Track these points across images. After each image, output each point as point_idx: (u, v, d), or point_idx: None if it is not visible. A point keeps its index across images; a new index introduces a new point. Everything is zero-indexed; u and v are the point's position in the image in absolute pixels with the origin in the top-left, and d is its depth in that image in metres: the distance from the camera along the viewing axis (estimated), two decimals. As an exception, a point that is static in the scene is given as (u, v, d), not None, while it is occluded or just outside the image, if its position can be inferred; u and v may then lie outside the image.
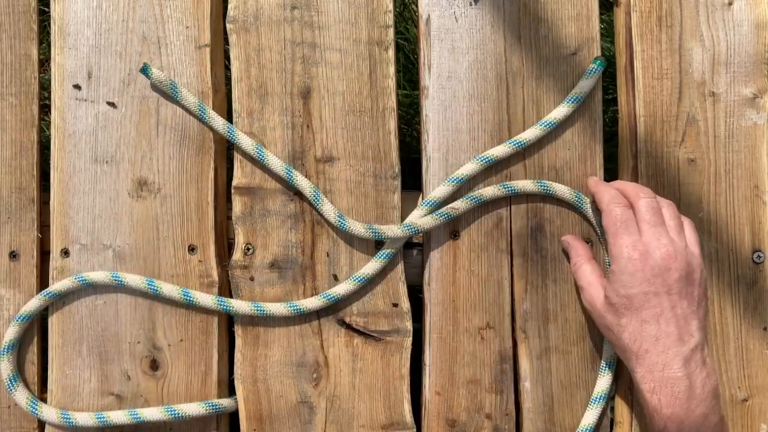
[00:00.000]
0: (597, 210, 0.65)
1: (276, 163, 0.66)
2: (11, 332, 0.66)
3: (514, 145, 0.66)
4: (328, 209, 0.66)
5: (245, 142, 0.66)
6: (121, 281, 0.66)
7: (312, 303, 0.66)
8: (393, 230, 0.65)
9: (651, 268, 0.58)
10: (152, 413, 0.65)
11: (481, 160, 0.66)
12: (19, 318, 0.66)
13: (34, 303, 0.66)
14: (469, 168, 0.66)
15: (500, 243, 0.68)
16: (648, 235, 0.60)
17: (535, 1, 0.68)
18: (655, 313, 0.58)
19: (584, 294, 0.63)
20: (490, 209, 0.68)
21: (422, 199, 0.68)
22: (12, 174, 0.69)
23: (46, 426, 0.68)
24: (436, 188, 0.67)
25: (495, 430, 0.67)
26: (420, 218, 0.66)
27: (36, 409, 0.65)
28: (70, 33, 0.68)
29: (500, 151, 0.66)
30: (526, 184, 0.66)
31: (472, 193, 0.67)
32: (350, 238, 0.67)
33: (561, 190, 0.66)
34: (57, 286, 0.66)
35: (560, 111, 0.67)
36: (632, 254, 0.59)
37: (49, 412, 0.66)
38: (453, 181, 0.66)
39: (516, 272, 0.68)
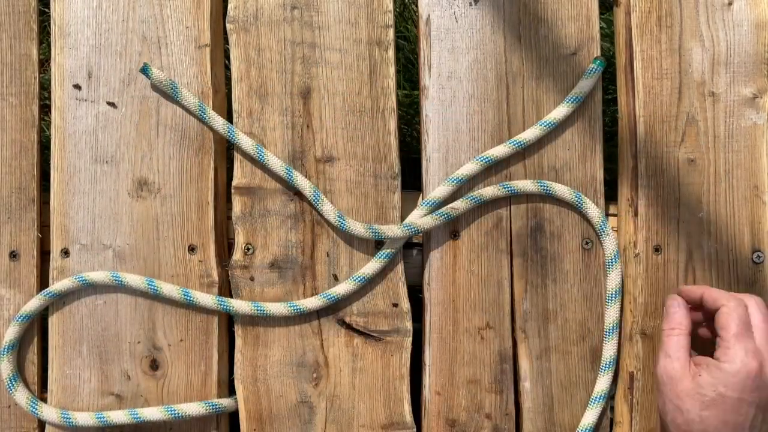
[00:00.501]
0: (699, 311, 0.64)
1: (276, 163, 0.66)
2: (11, 332, 0.66)
3: (514, 145, 0.66)
4: (328, 209, 0.66)
5: (245, 142, 0.66)
6: (121, 281, 0.66)
7: (312, 303, 0.66)
8: (393, 230, 0.65)
9: (759, 380, 0.57)
10: (152, 413, 0.65)
11: (481, 160, 0.66)
12: (19, 318, 0.66)
13: (34, 303, 0.66)
14: (469, 168, 0.66)
15: (500, 243, 0.68)
16: (761, 342, 0.58)
17: (535, 1, 0.68)
18: (739, 421, 0.57)
19: (666, 363, 0.60)
20: (490, 209, 0.68)
21: (422, 199, 0.68)
22: (12, 174, 0.69)
23: (46, 426, 0.68)
24: (436, 188, 0.67)
25: (495, 430, 0.67)
26: (420, 218, 0.66)
27: (36, 409, 0.65)
28: (70, 33, 0.68)
29: (500, 151, 0.67)
30: (526, 184, 0.66)
31: (472, 193, 0.67)
32: (350, 238, 0.67)
33: (561, 190, 0.66)
34: (57, 286, 0.66)
35: (560, 111, 0.67)
36: (751, 363, 0.57)
37: (49, 412, 0.66)
38: (453, 181, 0.66)
39: (516, 272, 0.68)
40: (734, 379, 0.57)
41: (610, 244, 0.67)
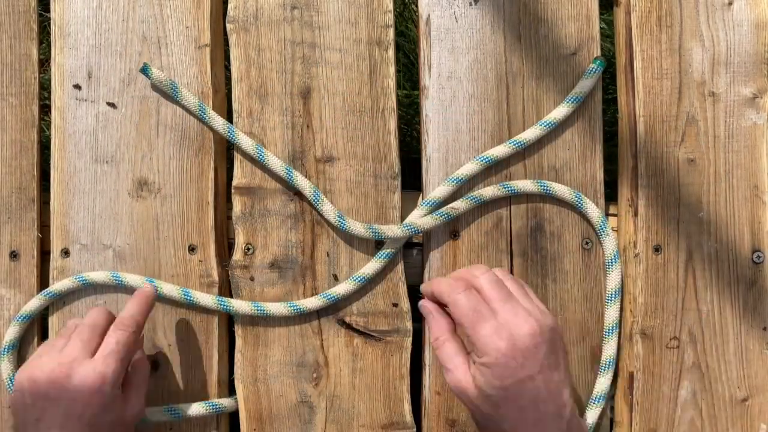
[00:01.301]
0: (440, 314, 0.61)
1: (276, 163, 0.66)
2: (12, 332, 0.66)
3: (514, 145, 0.66)
4: (328, 209, 0.66)
5: (245, 142, 0.66)
6: (122, 281, 0.66)
7: (312, 303, 0.66)
8: (393, 230, 0.65)
9: (521, 353, 0.54)
10: (152, 413, 0.65)
11: (481, 160, 0.66)
12: (19, 318, 0.66)
13: (35, 303, 0.66)
14: (468, 168, 0.66)
15: (500, 243, 0.68)
16: (504, 313, 0.56)
17: (535, 1, 0.68)
18: (532, 397, 0.55)
19: (450, 376, 0.58)
20: (490, 209, 0.68)
21: (422, 199, 0.68)
22: (12, 174, 0.69)
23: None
24: (436, 188, 0.67)
25: (495, 430, 0.67)
26: (420, 218, 0.66)
27: None
28: (70, 33, 0.68)
29: (500, 151, 0.67)
30: (526, 184, 0.66)
31: (472, 193, 0.67)
32: (350, 238, 0.67)
33: (561, 190, 0.66)
34: (57, 285, 0.66)
35: (560, 111, 0.67)
36: (499, 344, 0.54)
37: None
38: (453, 181, 0.66)
39: (516, 272, 0.68)
40: (499, 369, 0.54)
41: (609, 244, 0.67)
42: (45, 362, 0.58)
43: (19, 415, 0.57)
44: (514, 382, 0.54)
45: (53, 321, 0.68)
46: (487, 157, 0.66)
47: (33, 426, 0.56)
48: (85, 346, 0.58)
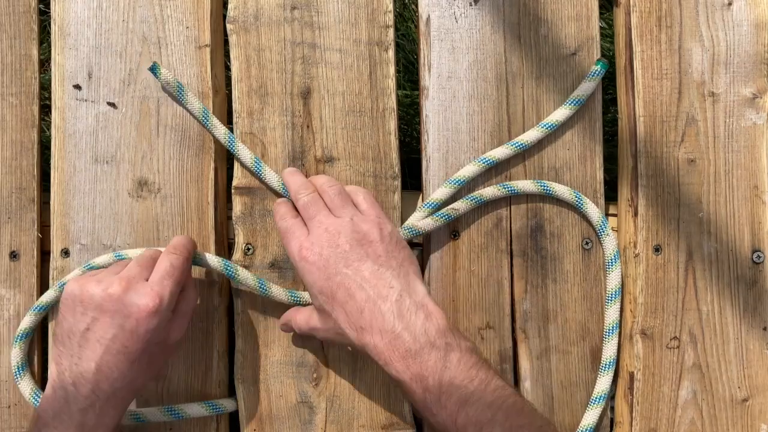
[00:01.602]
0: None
1: (272, 178, 0.66)
2: (27, 321, 0.66)
3: (515, 146, 0.66)
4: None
5: (244, 154, 0.66)
6: (124, 257, 0.65)
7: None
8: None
9: (320, 255, 0.59)
10: (152, 413, 0.65)
11: (482, 162, 0.66)
12: (36, 308, 0.66)
13: (51, 294, 0.66)
14: (469, 170, 0.66)
15: (500, 243, 0.68)
16: (312, 228, 0.61)
17: (535, 1, 0.68)
18: (345, 290, 0.57)
19: (298, 323, 0.63)
20: (490, 209, 0.68)
21: (422, 200, 0.68)
22: (12, 174, 0.69)
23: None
24: (436, 190, 0.67)
25: (495, 430, 0.67)
26: (420, 220, 0.66)
27: (38, 403, 0.65)
28: (70, 33, 0.68)
29: (501, 152, 0.66)
30: (526, 184, 0.66)
31: (472, 194, 0.67)
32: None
33: (561, 190, 0.66)
34: (70, 276, 0.66)
35: (561, 113, 0.67)
36: (301, 253, 0.59)
37: None
38: (453, 183, 0.66)
39: (516, 272, 0.68)
40: (307, 278, 0.59)
41: (610, 244, 0.67)
42: (101, 277, 0.58)
43: (66, 322, 0.57)
44: (324, 282, 0.58)
45: (53, 321, 0.68)
46: (488, 159, 0.66)
47: (80, 335, 0.56)
48: (143, 270, 0.59)
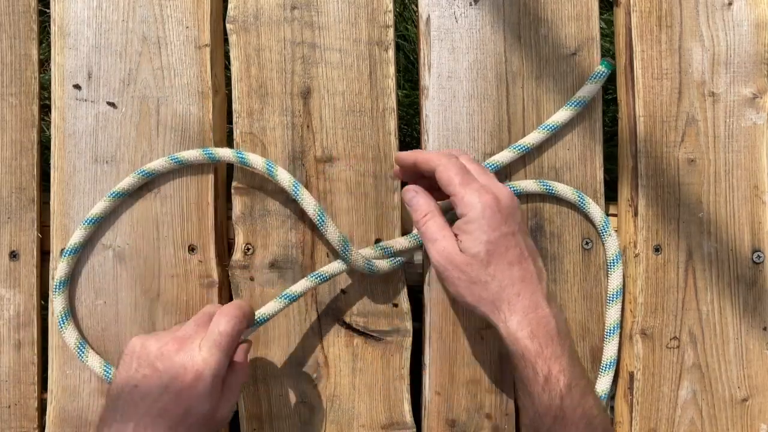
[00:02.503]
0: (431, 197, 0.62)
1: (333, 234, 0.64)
2: (62, 268, 0.66)
3: (518, 149, 0.66)
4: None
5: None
6: (213, 156, 0.65)
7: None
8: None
9: (504, 209, 0.57)
10: None
11: (487, 167, 0.66)
12: (68, 252, 0.66)
13: (80, 233, 0.66)
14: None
15: (500, 243, 0.68)
16: (485, 180, 0.59)
17: (535, 1, 0.68)
18: (517, 254, 0.57)
19: (437, 247, 0.58)
20: (490, 209, 0.68)
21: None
22: (12, 174, 0.69)
23: (48, 421, 0.68)
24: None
25: (495, 430, 0.67)
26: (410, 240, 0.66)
27: (83, 354, 0.65)
28: (70, 33, 0.68)
29: (505, 156, 0.66)
30: (528, 184, 0.66)
31: None
32: (350, 238, 0.67)
33: (563, 190, 0.66)
34: (152, 165, 0.66)
35: (563, 114, 0.66)
36: (485, 197, 0.56)
37: (93, 361, 0.65)
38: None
39: (516, 272, 0.68)
40: (485, 221, 0.56)
41: (612, 244, 0.67)
42: (162, 335, 0.57)
43: (121, 376, 0.56)
44: (500, 235, 0.56)
45: (53, 321, 0.68)
46: (493, 164, 0.66)
47: (129, 391, 0.54)
48: (199, 329, 0.57)
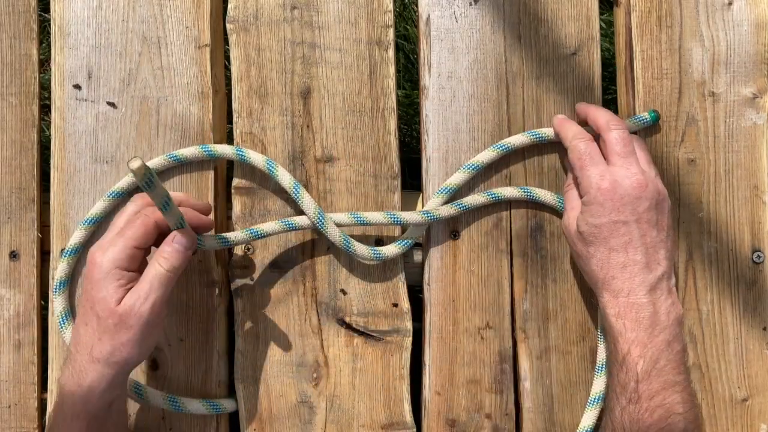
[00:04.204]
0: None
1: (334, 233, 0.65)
2: (62, 269, 0.66)
3: (533, 137, 0.66)
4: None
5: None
6: (212, 152, 0.66)
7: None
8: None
9: (620, 197, 0.59)
10: (154, 395, 0.65)
11: (470, 168, 0.66)
12: (68, 253, 0.66)
13: (79, 234, 0.66)
14: (458, 177, 0.66)
15: (500, 243, 0.68)
16: (618, 165, 0.60)
17: (535, 1, 0.68)
18: (623, 242, 0.59)
19: (564, 216, 0.64)
20: (490, 209, 0.68)
21: (422, 200, 0.68)
22: (12, 174, 0.69)
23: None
24: (430, 199, 0.67)
25: (495, 430, 0.67)
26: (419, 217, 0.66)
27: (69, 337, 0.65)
28: (70, 33, 0.68)
29: (518, 140, 0.66)
30: (509, 191, 0.66)
31: (461, 201, 0.66)
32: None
33: (544, 195, 0.66)
34: (150, 163, 0.66)
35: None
36: (601, 183, 0.59)
37: None
38: (445, 191, 0.66)
39: (516, 272, 0.68)
40: (596, 207, 0.59)
41: None
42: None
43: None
44: (607, 222, 0.59)
45: (53, 321, 0.68)
46: (475, 164, 0.66)
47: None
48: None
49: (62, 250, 0.67)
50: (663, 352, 0.57)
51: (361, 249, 0.65)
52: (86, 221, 0.66)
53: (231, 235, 0.63)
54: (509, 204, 0.68)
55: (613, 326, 0.59)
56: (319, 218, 0.64)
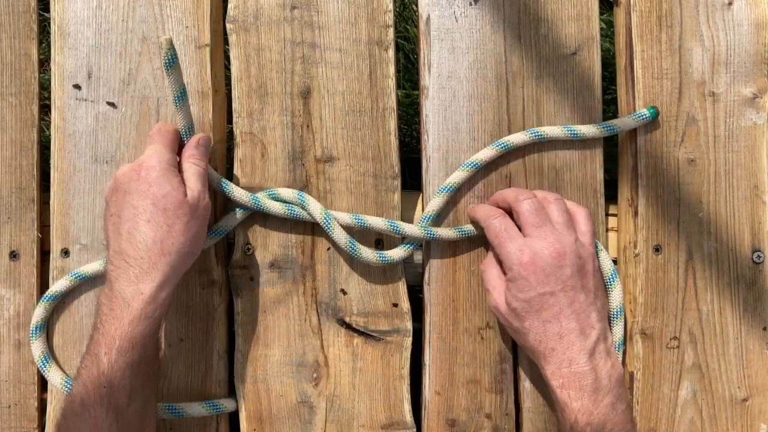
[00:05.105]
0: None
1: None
2: (39, 312, 0.66)
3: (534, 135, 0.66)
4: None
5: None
6: (261, 206, 0.66)
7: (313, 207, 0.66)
8: (398, 253, 0.65)
9: (542, 269, 0.59)
10: None
11: (468, 166, 0.66)
12: (46, 298, 0.66)
13: (64, 283, 0.66)
14: (457, 176, 0.66)
15: (500, 243, 0.68)
16: (534, 236, 0.60)
17: (535, 1, 0.68)
18: (554, 312, 0.59)
19: (489, 298, 0.63)
20: (490, 209, 0.68)
21: (422, 200, 0.68)
22: (12, 174, 0.69)
23: (47, 428, 0.68)
24: (432, 199, 0.67)
25: (495, 430, 0.67)
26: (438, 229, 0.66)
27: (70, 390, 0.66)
28: (70, 33, 0.68)
29: (519, 138, 0.66)
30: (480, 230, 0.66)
31: (464, 227, 0.67)
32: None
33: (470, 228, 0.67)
34: (88, 268, 0.66)
35: (588, 130, 0.66)
36: (521, 258, 0.59)
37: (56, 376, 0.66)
38: (444, 190, 0.66)
39: (516, 272, 0.68)
40: (521, 282, 0.60)
41: (606, 262, 0.66)
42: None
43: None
44: (535, 295, 0.59)
45: (53, 321, 0.68)
46: (474, 162, 0.66)
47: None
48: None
49: (62, 250, 0.67)
50: (608, 415, 0.58)
51: (367, 253, 0.65)
52: (49, 297, 0.66)
53: (235, 191, 0.65)
54: (509, 204, 0.68)
55: (558, 397, 0.59)
56: (326, 220, 0.64)
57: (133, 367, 0.56)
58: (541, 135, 0.66)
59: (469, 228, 0.66)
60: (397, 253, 0.66)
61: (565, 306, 0.59)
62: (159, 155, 0.60)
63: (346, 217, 0.65)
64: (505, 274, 0.62)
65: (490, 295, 0.63)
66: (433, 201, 0.66)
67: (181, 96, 0.61)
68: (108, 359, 0.55)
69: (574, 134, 0.66)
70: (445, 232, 0.66)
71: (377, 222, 0.65)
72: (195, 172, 0.61)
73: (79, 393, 0.56)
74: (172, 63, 0.59)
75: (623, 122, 0.66)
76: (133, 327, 0.56)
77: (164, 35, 0.57)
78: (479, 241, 0.68)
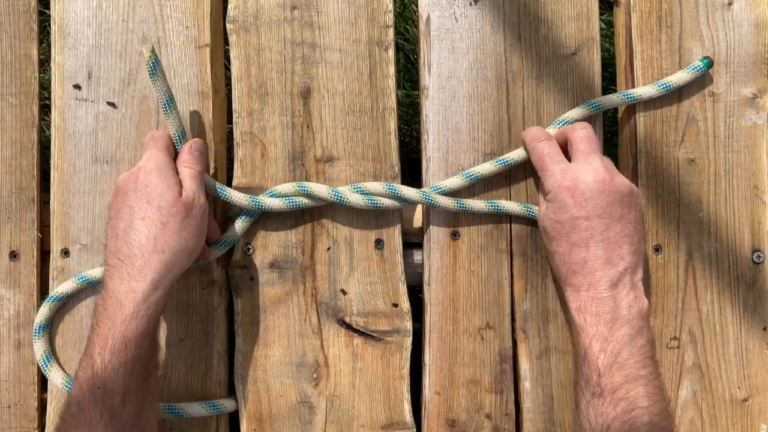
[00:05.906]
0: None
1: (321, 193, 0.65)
2: (43, 312, 0.66)
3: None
4: (356, 198, 0.65)
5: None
6: (307, 190, 0.65)
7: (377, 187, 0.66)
8: (411, 194, 0.66)
9: (582, 193, 0.59)
10: None
11: (467, 177, 0.66)
12: (51, 299, 0.66)
13: (70, 285, 0.66)
14: (453, 182, 0.66)
15: (500, 243, 0.68)
16: (581, 162, 0.61)
17: (535, 1, 0.68)
18: (585, 237, 0.59)
19: (538, 218, 0.65)
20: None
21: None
22: (12, 174, 0.69)
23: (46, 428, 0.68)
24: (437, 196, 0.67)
25: (495, 430, 0.67)
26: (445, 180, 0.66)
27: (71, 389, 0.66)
28: (70, 33, 0.68)
29: (517, 155, 0.66)
30: (477, 204, 0.66)
31: (463, 200, 0.66)
32: (350, 238, 0.67)
33: (509, 206, 0.66)
34: (92, 272, 0.66)
35: (646, 90, 0.66)
36: (562, 181, 0.60)
37: (56, 375, 0.66)
38: (438, 190, 0.66)
39: (516, 272, 0.68)
40: (557, 204, 0.60)
41: None
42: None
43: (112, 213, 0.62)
44: (568, 218, 0.60)
45: (53, 321, 0.68)
46: (473, 174, 0.66)
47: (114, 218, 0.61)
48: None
49: (62, 250, 0.67)
50: (625, 346, 0.57)
51: (384, 202, 0.65)
52: (54, 298, 0.66)
53: (233, 195, 0.65)
54: (509, 204, 0.68)
55: (575, 320, 0.59)
56: (335, 194, 0.65)
57: (127, 367, 0.56)
58: (599, 105, 0.66)
59: (469, 204, 0.66)
60: (386, 201, 0.66)
61: (598, 232, 0.59)
62: (155, 158, 0.61)
63: (346, 189, 0.66)
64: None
65: (538, 212, 0.64)
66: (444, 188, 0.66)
67: (169, 102, 0.62)
68: (101, 359, 0.55)
69: (631, 98, 0.66)
70: (443, 200, 0.65)
71: (375, 186, 0.65)
72: (190, 174, 0.62)
73: (76, 395, 0.56)
74: (155, 70, 0.60)
75: (678, 77, 0.66)
76: (125, 326, 0.56)
77: (146, 46, 0.60)
78: (479, 240, 0.68)
